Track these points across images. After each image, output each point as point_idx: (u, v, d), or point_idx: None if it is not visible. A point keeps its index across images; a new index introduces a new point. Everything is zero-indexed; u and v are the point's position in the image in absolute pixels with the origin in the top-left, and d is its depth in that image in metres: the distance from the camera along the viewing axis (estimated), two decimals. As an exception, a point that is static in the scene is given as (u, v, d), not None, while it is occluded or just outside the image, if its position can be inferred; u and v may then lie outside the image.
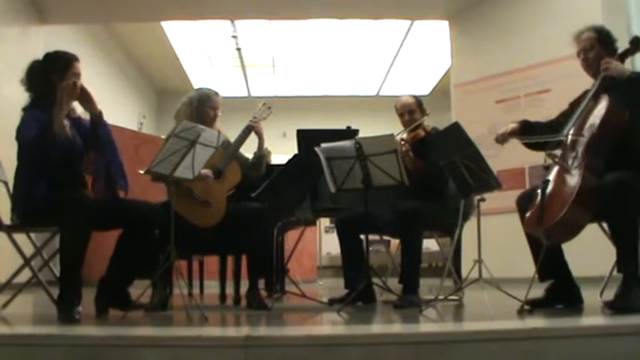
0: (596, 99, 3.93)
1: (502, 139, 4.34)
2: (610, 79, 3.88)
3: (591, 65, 4.09)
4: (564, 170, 3.86)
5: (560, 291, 4.11)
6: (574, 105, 4.18)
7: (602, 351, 2.87)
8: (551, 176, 3.91)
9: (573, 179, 3.76)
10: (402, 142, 4.97)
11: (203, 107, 4.95)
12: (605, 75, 3.89)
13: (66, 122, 4.06)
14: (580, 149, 3.85)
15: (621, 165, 3.70)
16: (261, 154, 5.07)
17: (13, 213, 4.09)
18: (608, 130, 3.81)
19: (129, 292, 4.11)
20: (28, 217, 4.01)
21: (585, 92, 4.12)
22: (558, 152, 3.95)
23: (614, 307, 3.55)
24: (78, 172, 4.12)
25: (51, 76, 4.05)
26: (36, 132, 3.80)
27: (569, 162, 3.87)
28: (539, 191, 3.85)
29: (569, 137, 3.93)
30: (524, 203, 4.08)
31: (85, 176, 4.17)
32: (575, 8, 7.80)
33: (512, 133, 4.32)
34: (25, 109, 4.07)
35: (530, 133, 4.26)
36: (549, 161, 3.93)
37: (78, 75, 4.12)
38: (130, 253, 4.04)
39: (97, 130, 4.06)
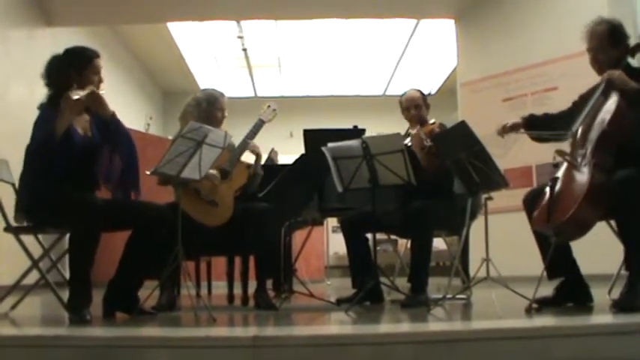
0: (606, 95, 3.87)
1: (502, 131, 4.37)
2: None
3: (601, 65, 4.01)
4: (573, 167, 3.82)
5: (570, 290, 4.08)
6: (585, 97, 4.15)
7: (610, 349, 2.86)
8: (560, 173, 3.88)
9: (583, 176, 3.72)
10: (423, 137, 4.90)
11: (211, 109, 4.94)
12: (608, 83, 3.83)
13: (87, 118, 4.06)
14: (590, 146, 3.80)
15: (631, 162, 3.66)
16: (257, 173, 5.04)
17: (18, 212, 4.09)
18: (618, 127, 3.75)
19: (138, 296, 4.10)
20: (37, 217, 4.02)
21: (596, 85, 4.10)
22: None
23: (619, 305, 3.53)
24: (93, 171, 4.10)
25: (69, 71, 4.04)
26: (44, 135, 3.80)
27: (579, 159, 3.82)
28: (547, 189, 3.83)
29: (578, 134, 3.88)
30: (531, 202, 4.06)
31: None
32: (581, 6, 7.76)
33: (514, 127, 4.34)
34: (41, 107, 4.06)
35: (537, 126, 4.25)
36: (558, 159, 3.90)
37: (99, 71, 4.12)
38: (139, 254, 4.03)
39: (111, 130, 4.06)
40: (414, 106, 5.19)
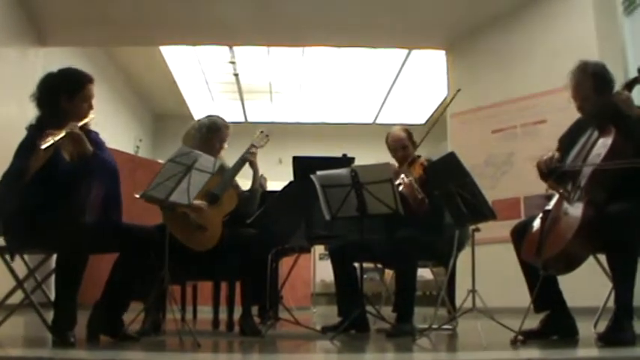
0: (601, 130, 3.84)
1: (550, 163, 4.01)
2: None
3: (588, 113, 4.02)
4: (566, 200, 3.81)
5: (555, 322, 4.08)
6: (563, 140, 4.16)
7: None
8: (552, 206, 3.87)
9: (575, 211, 3.70)
10: (416, 188, 4.81)
11: (211, 137, 4.94)
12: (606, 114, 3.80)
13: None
14: (583, 180, 3.76)
15: (624, 196, 3.64)
16: (255, 188, 5.05)
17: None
18: (613, 162, 3.70)
19: (123, 320, 4.06)
20: (23, 239, 3.99)
21: (576, 123, 4.13)
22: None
23: (605, 339, 3.53)
24: (80, 192, 3.99)
25: (60, 95, 3.96)
26: (15, 171, 3.76)
27: (572, 193, 3.81)
28: (538, 220, 3.83)
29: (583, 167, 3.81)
30: (519, 235, 4.06)
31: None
32: (571, 39, 7.82)
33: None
34: (29, 129, 3.98)
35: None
36: (551, 191, 3.89)
37: (89, 98, 4.04)
38: (126, 277, 4.00)
39: (92, 166, 3.93)
40: (401, 147, 5.18)
